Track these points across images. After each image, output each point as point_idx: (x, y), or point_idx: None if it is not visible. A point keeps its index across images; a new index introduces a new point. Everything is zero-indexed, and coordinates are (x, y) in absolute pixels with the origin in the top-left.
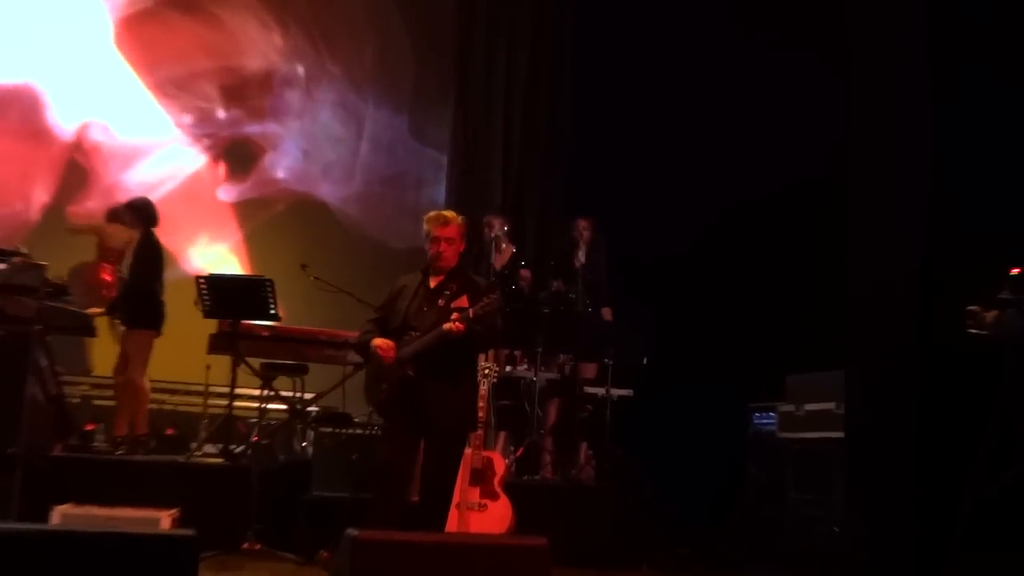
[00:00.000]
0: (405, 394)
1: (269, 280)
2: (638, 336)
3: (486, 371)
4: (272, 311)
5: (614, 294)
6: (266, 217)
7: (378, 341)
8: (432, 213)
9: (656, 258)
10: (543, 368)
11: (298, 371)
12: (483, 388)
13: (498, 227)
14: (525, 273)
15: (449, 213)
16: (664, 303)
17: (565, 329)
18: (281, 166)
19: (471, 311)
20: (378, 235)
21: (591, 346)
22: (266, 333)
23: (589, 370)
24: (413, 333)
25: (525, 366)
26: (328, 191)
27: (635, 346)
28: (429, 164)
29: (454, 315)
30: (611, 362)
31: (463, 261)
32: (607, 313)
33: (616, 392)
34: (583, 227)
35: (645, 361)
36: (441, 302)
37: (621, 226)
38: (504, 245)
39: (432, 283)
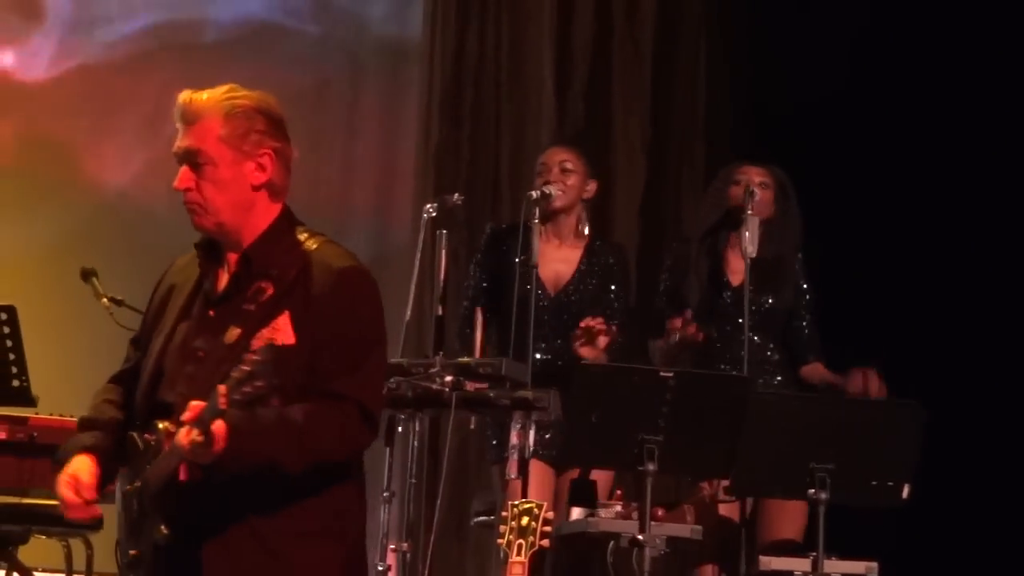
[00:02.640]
0: None
1: (7, 308)
2: (905, 437)
3: (524, 521)
4: (20, 382)
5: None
6: None
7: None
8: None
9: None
10: (661, 513)
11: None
12: (517, 565)
13: (567, 169)
14: (677, 323)
15: (216, 91)
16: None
17: (710, 419)
18: None
19: (226, 390)
20: None
21: (774, 460)
22: (2, 435)
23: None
24: (162, 427)
25: (619, 507)
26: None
27: (891, 460)
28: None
29: (215, 404)
30: (823, 497)
31: (285, 219)
32: (815, 372)
33: (840, 570)
34: (757, 180)
35: (907, 493)
36: (233, 333)
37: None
38: (577, 218)
39: (220, 275)
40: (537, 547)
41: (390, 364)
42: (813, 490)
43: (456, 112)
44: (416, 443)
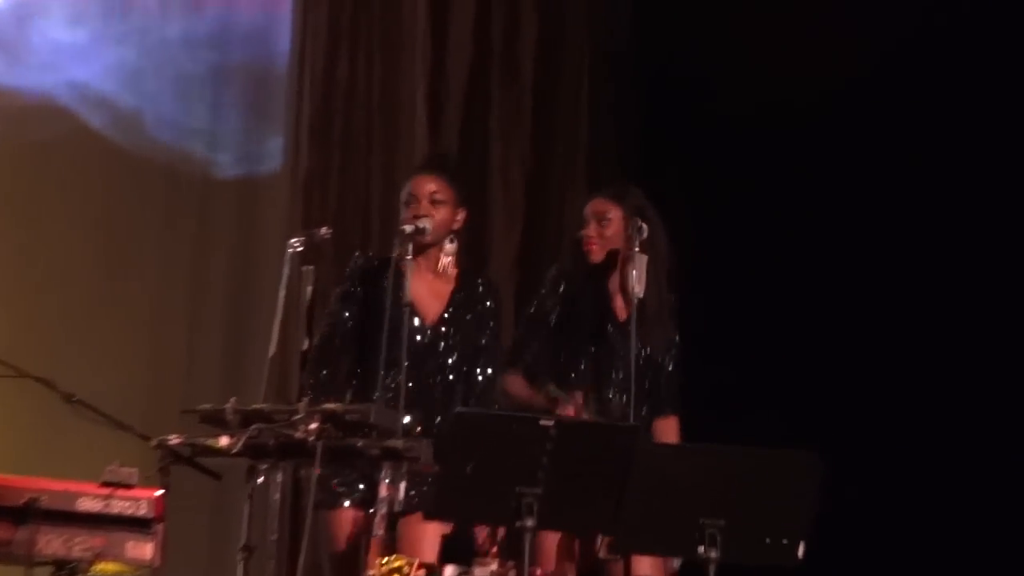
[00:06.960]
0: None
1: None
2: (800, 491)
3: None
4: None
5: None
6: None
7: None
8: None
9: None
10: (539, 572)
11: None
12: None
13: (437, 200)
14: (568, 412)
15: None
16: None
17: (594, 471)
18: None
19: None
20: None
21: (661, 515)
22: None
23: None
24: None
25: (495, 567)
26: None
27: (786, 517)
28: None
29: None
30: (713, 555)
31: None
32: (668, 427)
33: None
34: (600, 212)
35: (802, 552)
36: None
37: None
38: (442, 248)
39: None
40: None
41: (250, 410)
42: (702, 548)
43: (326, 141)
44: (278, 496)
